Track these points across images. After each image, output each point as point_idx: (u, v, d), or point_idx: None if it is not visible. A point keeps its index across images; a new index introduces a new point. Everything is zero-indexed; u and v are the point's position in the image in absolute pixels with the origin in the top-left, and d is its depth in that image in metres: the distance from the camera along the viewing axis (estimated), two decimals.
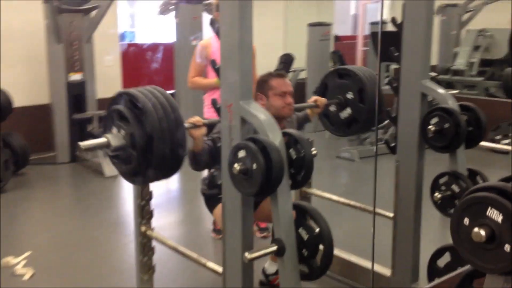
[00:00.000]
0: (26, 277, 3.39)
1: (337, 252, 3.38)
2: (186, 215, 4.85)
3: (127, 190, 5.41)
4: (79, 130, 6.31)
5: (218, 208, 2.88)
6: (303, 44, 8.01)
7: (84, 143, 2.04)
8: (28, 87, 6.49)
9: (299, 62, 8.09)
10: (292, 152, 2.00)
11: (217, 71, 2.14)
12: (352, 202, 3.27)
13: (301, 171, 1.98)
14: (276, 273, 3.11)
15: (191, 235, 4.25)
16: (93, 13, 6.11)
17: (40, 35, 6.15)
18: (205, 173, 3.24)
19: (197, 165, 2.53)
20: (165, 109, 1.95)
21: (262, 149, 1.87)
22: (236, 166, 1.89)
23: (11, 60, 6.27)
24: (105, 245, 3.98)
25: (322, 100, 2.97)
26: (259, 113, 2.01)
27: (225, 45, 2.07)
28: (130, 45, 9.40)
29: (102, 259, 3.73)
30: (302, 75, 8.24)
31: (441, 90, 2.66)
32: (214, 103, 2.19)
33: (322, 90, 3.13)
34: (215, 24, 2.14)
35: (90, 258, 3.73)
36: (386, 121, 6.30)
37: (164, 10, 6.12)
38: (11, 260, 3.58)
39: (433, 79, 7.23)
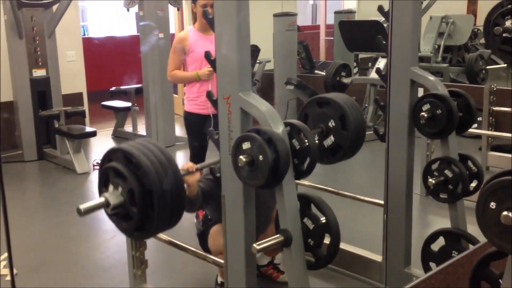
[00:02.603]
0: (9, 277, 3.28)
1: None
2: None
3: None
4: (46, 127, 6.14)
5: (210, 234, 2.82)
6: (267, 35, 7.98)
7: (84, 206, 1.94)
8: None
9: (265, 53, 8.05)
10: (295, 142, 1.97)
11: (212, 63, 2.08)
12: (340, 191, 3.27)
13: (305, 161, 1.96)
14: (268, 264, 3.10)
15: (176, 229, 4.18)
16: (55, 7, 5.91)
17: (1, 31, 5.91)
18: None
19: (192, 208, 2.52)
20: (161, 162, 1.88)
21: (267, 140, 1.83)
22: (242, 158, 1.85)
23: None
24: (85, 242, 3.88)
25: None
26: (260, 104, 1.97)
27: (220, 35, 2.02)
28: (90, 39, 9.20)
29: (85, 257, 3.64)
30: (269, 66, 8.21)
31: (430, 77, 2.67)
32: (209, 95, 2.14)
33: (302, 121, 3.10)
34: (208, 14, 2.08)
35: (73, 256, 3.64)
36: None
37: (128, 3, 5.98)
38: None
39: None
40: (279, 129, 1.92)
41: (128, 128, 7.20)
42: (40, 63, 5.99)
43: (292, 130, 1.98)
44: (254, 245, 1.91)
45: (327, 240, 2.04)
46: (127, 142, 1.98)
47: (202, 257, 2.42)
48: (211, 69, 2.55)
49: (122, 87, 7.03)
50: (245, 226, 2.09)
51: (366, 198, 3.16)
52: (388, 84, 2.72)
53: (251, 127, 2.00)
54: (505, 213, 1.28)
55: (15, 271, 3.34)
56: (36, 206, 4.82)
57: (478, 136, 5.55)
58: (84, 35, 12.21)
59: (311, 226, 1.99)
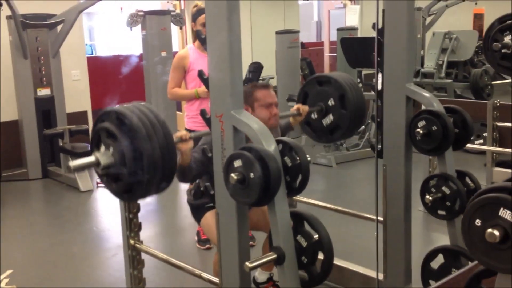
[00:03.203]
0: None
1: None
2: (168, 227, 4.78)
3: (103, 204, 5.32)
4: (50, 146, 6.18)
5: (205, 218, 2.84)
6: (271, 52, 8.03)
7: (74, 163, 1.97)
8: None
9: (268, 70, 8.11)
10: (287, 159, 1.98)
11: (205, 81, 2.10)
12: (339, 208, 3.27)
13: (297, 178, 1.96)
14: (267, 281, 3.09)
15: (176, 247, 4.19)
16: (59, 27, 5.99)
17: (6, 52, 6.00)
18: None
19: (185, 178, 2.49)
20: (153, 124, 1.90)
21: (259, 158, 1.84)
22: (233, 175, 1.86)
23: None
24: (86, 260, 3.89)
25: (305, 108, 2.96)
26: (252, 122, 1.98)
27: (214, 56, 2.03)
28: (95, 58, 9.28)
29: (86, 275, 3.65)
30: (272, 82, 8.26)
31: (425, 93, 2.68)
32: (203, 113, 2.15)
33: (302, 99, 3.11)
34: (202, 34, 2.10)
35: (74, 274, 3.65)
36: (362, 127, 6.37)
37: (131, 22, 6.05)
38: None
39: None
40: (271, 146, 1.93)
41: None
42: (45, 83, 6.06)
43: (284, 148, 1.99)
44: (247, 263, 1.91)
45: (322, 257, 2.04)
46: (122, 104, 2.00)
47: (198, 275, 2.41)
48: None
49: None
50: (239, 243, 2.09)
51: (366, 215, 3.15)
52: (382, 101, 2.73)
53: (244, 144, 2.00)
54: (489, 230, 1.28)
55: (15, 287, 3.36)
56: (40, 224, 4.83)
57: (484, 152, 5.52)
58: (92, 54, 12.35)
59: (304, 243, 1.99)
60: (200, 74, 2.14)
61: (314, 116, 3.08)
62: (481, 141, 6.23)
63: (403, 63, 2.66)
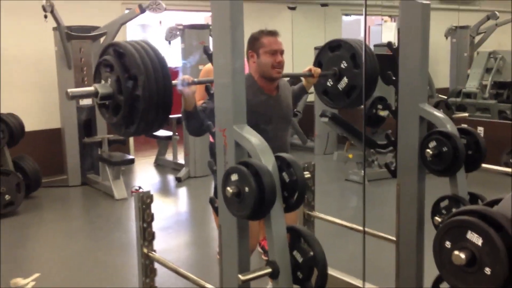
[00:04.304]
0: None
1: (340, 275, 3.39)
2: (195, 237, 4.87)
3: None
4: (90, 154, 6.40)
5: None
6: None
7: (72, 90, 2.08)
8: (40, 112, 6.62)
9: None
10: (285, 175, 2.01)
11: (211, 96, 2.17)
12: (355, 226, 3.26)
13: (294, 194, 2.00)
14: None
15: (199, 257, 4.28)
16: (102, 39, 6.23)
17: (51, 61, 6.29)
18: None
19: (192, 128, 2.54)
20: (147, 52, 2.00)
21: (254, 173, 1.89)
22: (229, 189, 1.92)
23: (23, 85, 6.43)
24: (111, 267, 4.01)
25: (317, 70, 2.97)
26: (252, 137, 2.03)
27: (217, 71, 2.11)
28: None
29: (108, 281, 3.77)
30: (310, 98, 8.28)
31: (439, 114, 2.66)
32: (209, 127, 2.22)
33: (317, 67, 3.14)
34: (209, 50, 2.19)
35: (97, 280, 3.78)
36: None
37: (170, 36, 6.22)
38: (20, 281, 3.65)
39: (442, 102, 7.16)
40: (269, 162, 1.98)
41: (169, 156, 7.39)
42: None
43: (282, 164, 2.03)
44: (240, 275, 1.95)
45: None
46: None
47: (201, 286, 2.47)
48: None
49: None
50: (239, 256, 2.14)
51: (379, 233, 3.13)
52: (397, 120, 2.73)
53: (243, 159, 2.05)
54: (456, 252, 1.29)
55: None
56: (73, 229, 5.02)
57: None
58: None
59: (300, 259, 2.01)
60: (208, 88, 2.22)
61: (329, 83, 3.10)
62: None
63: (417, 82, 2.65)
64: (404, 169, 2.74)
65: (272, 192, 1.89)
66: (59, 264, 4.09)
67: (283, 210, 2.01)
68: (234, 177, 1.93)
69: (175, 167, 7.04)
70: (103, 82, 2.07)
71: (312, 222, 3.37)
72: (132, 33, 10.22)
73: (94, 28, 6.23)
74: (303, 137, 8.19)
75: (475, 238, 1.27)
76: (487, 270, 1.25)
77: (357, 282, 3.29)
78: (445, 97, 8.41)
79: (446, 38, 9.84)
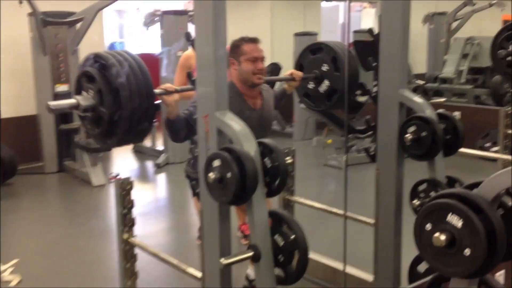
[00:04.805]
0: (13, 283, 3.44)
1: (321, 258, 3.44)
2: (174, 222, 4.87)
3: (113, 199, 5.43)
4: (66, 140, 6.33)
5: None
6: (291, 53, 8.06)
7: (53, 103, 2.06)
8: (15, 98, 6.50)
9: (286, 72, 8.11)
10: (267, 161, 2.03)
11: (192, 82, 2.17)
12: (335, 210, 3.30)
13: (276, 180, 2.01)
14: None
15: (178, 242, 4.29)
16: (78, 25, 6.13)
17: (26, 48, 6.18)
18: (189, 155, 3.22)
19: (175, 135, 2.54)
20: (130, 63, 1.99)
21: (236, 158, 1.90)
22: (211, 175, 1.92)
23: None
24: (90, 253, 4.00)
25: (298, 73, 2.99)
26: (234, 124, 2.04)
27: (200, 58, 2.10)
28: None
29: (87, 267, 3.76)
30: None
31: (418, 99, 2.69)
32: (189, 75, 2.22)
33: (298, 69, 3.17)
34: (190, 37, 2.18)
35: (76, 266, 3.76)
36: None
37: (148, 22, 6.16)
38: None
39: (420, 87, 7.23)
40: (251, 148, 1.98)
41: (148, 143, 7.35)
42: (63, 79, 6.21)
43: (264, 149, 2.04)
44: (222, 259, 1.97)
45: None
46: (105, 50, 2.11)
47: (183, 270, 2.48)
48: None
49: None
50: (220, 240, 2.15)
51: (359, 217, 3.18)
52: (377, 106, 2.76)
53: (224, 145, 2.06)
54: (436, 234, 1.32)
55: (19, 278, 3.48)
56: (50, 216, 4.97)
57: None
58: None
59: (281, 242, 2.03)
60: (189, 75, 2.21)
61: (311, 86, 3.13)
62: (498, 147, 6.17)
63: (397, 68, 2.68)
64: (383, 154, 2.78)
65: (254, 178, 1.90)
66: (38, 250, 4.06)
67: (265, 195, 2.03)
68: (216, 163, 1.94)
69: (154, 154, 7.00)
70: (84, 93, 2.04)
71: (292, 207, 3.40)
72: (109, 19, 10.09)
73: (70, 14, 6.11)
74: (282, 123, 8.22)
75: (455, 220, 1.30)
76: (467, 252, 1.28)
77: (337, 264, 3.34)
78: (423, 82, 8.49)
79: (424, 24, 9.92)
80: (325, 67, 2.90)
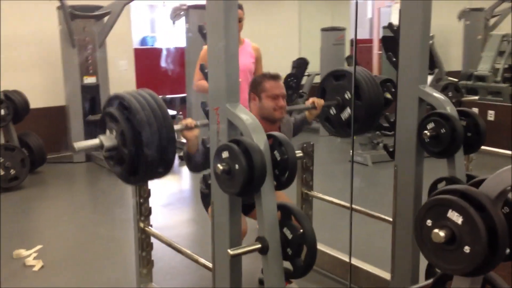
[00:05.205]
0: (36, 268, 3.52)
1: (338, 255, 3.40)
2: (197, 214, 4.89)
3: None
4: (94, 131, 6.42)
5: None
6: (318, 48, 8.01)
7: (78, 144, 2.10)
8: (44, 89, 6.65)
9: (314, 67, 8.08)
10: (276, 153, 2.02)
11: (205, 75, 2.17)
12: (354, 206, 3.26)
13: (285, 173, 2.00)
14: None
15: (198, 234, 4.31)
16: (105, 18, 6.21)
17: (56, 40, 6.30)
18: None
19: (193, 167, 2.57)
20: (151, 106, 2.02)
21: (244, 150, 1.89)
22: (219, 166, 1.92)
23: (28, 64, 6.46)
24: (112, 241, 4.05)
25: (320, 102, 2.98)
26: (245, 116, 2.03)
27: (211, 50, 2.10)
28: (144, 49, 9.52)
29: (108, 253, 3.82)
30: (317, 79, 8.24)
31: (438, 95, 2.64)
32: (203, 105, 2.23)
33: (321, 94, 3.15)
34: (203, 30, 2.17)
35: (97, 252, 3.83)
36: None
37: (174, 16, 6.20)
38: (22, 252, 3.74)
39: (451, 85, 7.05)
40: (261, 140, 1.98)
41: None
42: (91, 71, 6.31)
43: (274, 142, 2.03)
44: (229, 250, 1.97)
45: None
46: (127, 91, 2.13)
47: (195, 260, 2.49)
48: None
49: (168, 96, 7.25)
50: (230, 232, 2.15)
51: (377, 214, 3.14)
52: (396, 102, 2.72)
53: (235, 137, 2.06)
54: (435, 231, 1.29)
55: (42, 263, 3.56)
56: (75, 204, 5.08)
57: None
58: (152, 46, 12.66)
59: (290, 236, 2.02)
60: (202, 67, 2.21)
61: (332, 111, 3.11)
62: None
63: (417, 64, 2.63)
64: (402, 151, 2.73)
65: (261, 170, 1.90)
66: (61, 237, 4.14)
67: (273, 188, 2.02)
68: (225, 154, 1.94)
69: (179, 146, 7.05)
70: (108, 132, 2.07)
71: (310, 202, 3.38)
72: (140, 13, 10.18)
73: (98, 7, 6.21)
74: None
75: (455, 217, 1.27)
76: (467, 249, 1.25)
77: (353, 261, 3.30)
78: (456, 80, 8.31)
79: (459, 20, 9.71)
80: (347, 95, 2.87)
